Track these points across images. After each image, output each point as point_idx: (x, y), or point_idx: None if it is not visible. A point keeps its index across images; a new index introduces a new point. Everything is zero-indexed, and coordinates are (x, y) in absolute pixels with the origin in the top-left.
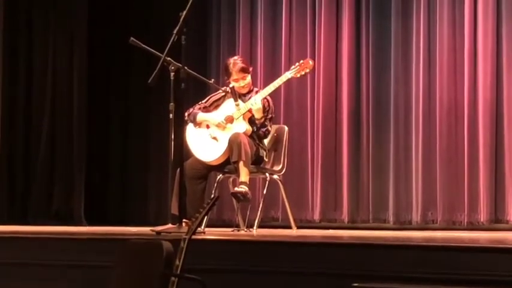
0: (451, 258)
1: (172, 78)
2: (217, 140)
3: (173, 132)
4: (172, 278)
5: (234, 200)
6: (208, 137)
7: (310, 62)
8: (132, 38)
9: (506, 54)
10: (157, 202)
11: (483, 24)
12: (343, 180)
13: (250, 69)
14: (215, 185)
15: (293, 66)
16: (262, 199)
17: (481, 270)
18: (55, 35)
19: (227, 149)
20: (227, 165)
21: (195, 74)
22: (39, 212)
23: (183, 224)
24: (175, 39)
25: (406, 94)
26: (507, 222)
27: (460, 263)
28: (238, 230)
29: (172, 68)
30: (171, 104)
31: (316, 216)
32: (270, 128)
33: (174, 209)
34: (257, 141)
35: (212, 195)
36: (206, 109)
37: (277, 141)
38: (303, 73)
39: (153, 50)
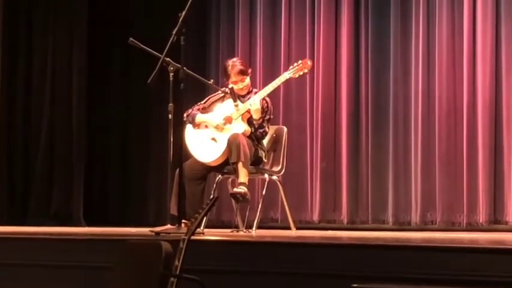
0: (450, 259)
1: (171, 78)
2: (216, 141)
3: (172, 133)
4: (172, 279)
5: (233, 201)
6: (207, 138)
7: (309, 62)
8: (131, 39)
9: (505, 55)
10: (157, 203)
11: (482, 26)
12: (342, 181)
13: (249, 71)
14: (214, 185)
15: (292, 67)
16: (261, 200)
17: (480, 271)
18: (55, 35)
19: (226, 150)
20: (226, 166)
21: (194, 74)
22: (38, 213)
23: (182, 225)
24: (174, 40)
25: (405, 95)
26: (506, 223)
27: (459, 264)
28: (238, 231)
29: (172, 68)
30: (170, 104)
31: (316, 217)
32: (267, 129)
33: (173, 210)
34: (256, 142)
35: (211, 196)
36: (205, 110)
37: (276, 142)
38: (301, 73)
39: (152, 51)
